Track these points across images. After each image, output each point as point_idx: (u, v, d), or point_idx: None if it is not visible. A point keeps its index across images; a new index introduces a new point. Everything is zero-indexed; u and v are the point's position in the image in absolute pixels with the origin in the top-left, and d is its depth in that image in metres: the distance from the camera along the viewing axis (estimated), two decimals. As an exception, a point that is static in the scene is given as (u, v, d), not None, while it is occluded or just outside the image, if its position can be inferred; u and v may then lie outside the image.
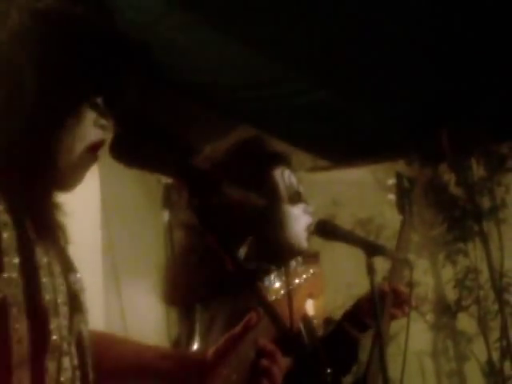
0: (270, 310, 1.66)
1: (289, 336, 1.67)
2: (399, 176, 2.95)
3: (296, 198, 2.59)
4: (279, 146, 5.35)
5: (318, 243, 2.75)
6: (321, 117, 5.06)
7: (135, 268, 4.82)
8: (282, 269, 2.37)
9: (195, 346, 2.22)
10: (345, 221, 5.58)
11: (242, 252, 2.35)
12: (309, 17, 3.95)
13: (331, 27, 4.07)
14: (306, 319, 2.45)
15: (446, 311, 5.66)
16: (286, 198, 2.54)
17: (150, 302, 3.82)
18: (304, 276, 2.20)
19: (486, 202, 5.67)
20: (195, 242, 2.31)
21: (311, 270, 2.29)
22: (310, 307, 2.36)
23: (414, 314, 5.47)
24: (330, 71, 4.51)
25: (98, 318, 4.45)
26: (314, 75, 4.59)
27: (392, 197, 2.95)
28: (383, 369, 2.42)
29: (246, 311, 2.10)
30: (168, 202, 1.92)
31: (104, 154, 1.58)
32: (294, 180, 2.60)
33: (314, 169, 6.14)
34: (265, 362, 1.80)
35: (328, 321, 2.72)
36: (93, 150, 1.56)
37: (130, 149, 1.56)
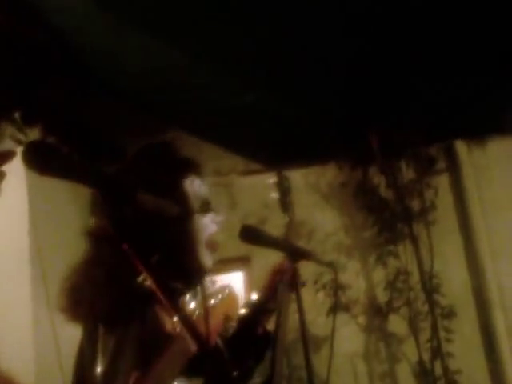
0: (190, 326, 1.62)
1: (207, 353, 1.64)
2: (279, 175, 2.96)
3: (205, 207, 2.51)
4: (209, 149, 5.34)
5: (250, 247, 2.74)
6: (252, 120, 5.05)
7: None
8: (197, 288, 2.30)
9: (99, 369, 2.12)
10: (276, 224, 5.57)
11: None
12: (240, 18, 3.94)
13: (262, 29, 4.06)
14: (224, 331, 2.43)
15: (378, 313, 5.70)
16: (196, 208, 2.46)
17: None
18: (220, 296, 2.18)
19: (415, 204, 5.72)
20: (102, 255, 2.21)
21: (226, 291, 2.27)
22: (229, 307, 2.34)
23: (345, 317, 5.57)
24: (261, 74, 4.50)
25: (26, 329, 4.35)
26: (244, 78, 4.58)
27: (275, 195, 2.96)
28: (308, 367, 2.41)
29: (156, 337, 2.06)
30: (96, 210, 1.88)
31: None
32: (204, 189, 2.52)
33: (245, 172, 6.13)
34: None
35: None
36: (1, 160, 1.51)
37: (42, 157, 1.51)
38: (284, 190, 2.94)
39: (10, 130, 1.51)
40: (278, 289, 2.64)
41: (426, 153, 5.74)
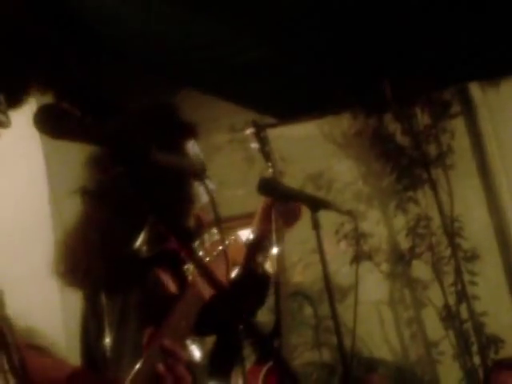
0: (206, 271, 1.62)
1: (223, 296, 1.64)
2: (255, 125, 2.94)
3: (202, 173, 2.48)
4: (222, 105, 5.33)
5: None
6: (263, 74, 5.03)
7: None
8: (204, 236, 2.27)
9: (107, 340, 2.13)
10: (294, 177, 5.57)
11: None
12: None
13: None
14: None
15: (401, 260, 5.71)
16: (194, 173, 2.43)
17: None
18: (226, 242, 2.18)
19: (432, 149, 5.70)
20: (98, 217, 2.17)
21: (232, 237, 2.26)
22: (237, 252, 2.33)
23: (369, 265, 5.58)
24: (271, 27, 4.47)
25: (53, 297, 4.40)
26: (254, 32, 4.55)
27: (255, 145, 2.94)
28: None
29: (159, 300, 2.05)
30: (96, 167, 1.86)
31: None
32: (200, 154, 2.49)
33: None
34: (170, 361, 1.79)
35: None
36: None
37: (54, 120, 1.50)
38: (262, 139, 2.92)
39: None
40: (273, 222, 2.64)
41: (440, 97, 5.70)
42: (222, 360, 2.28)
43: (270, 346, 1.76)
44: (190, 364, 1.99)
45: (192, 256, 1.64)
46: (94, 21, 4.06)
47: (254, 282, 2.67)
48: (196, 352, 2.19)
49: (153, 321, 1.96)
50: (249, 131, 2.93)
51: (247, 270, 2.64)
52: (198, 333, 2.11)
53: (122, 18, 4.15)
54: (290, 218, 2.79)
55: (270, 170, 2.93)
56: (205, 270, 1.61)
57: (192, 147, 2.43)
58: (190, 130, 2.46)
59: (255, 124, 2.92)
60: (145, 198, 1.51)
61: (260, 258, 2.69)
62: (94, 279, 2.14)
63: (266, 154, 2.94)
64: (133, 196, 1.53)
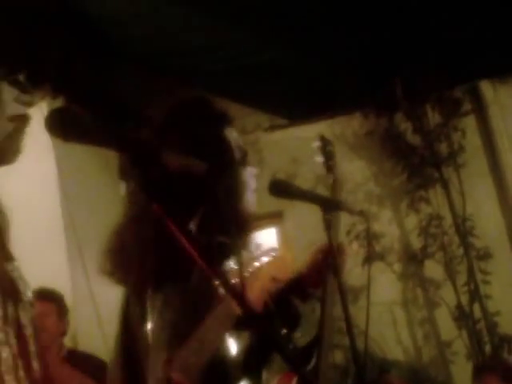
0: (233, 290, 1.61)
1: (252, 316, 1.63)
2: (322, 139, 2.96)
3: (244, 159, 2.52)
4: (232, 107, 5.33)
5: (281, 202, 2.73)
6: (273, 75, 5.02)
7: (98, 242, 4.77)
8: (241, 253, 2.28)
9: (148, 327, 2.14)
10: (305, 178, 5.57)
11: (193, 225, 2.23)
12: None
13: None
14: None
15: (413, 259, 5.70)
16: (239, 160, 2.47)
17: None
18: (265, 259, 2.17)
19: (443, 148, 5.68)
20: (149, 212, 2.19)
21: (272, 253, 2.26)
22: (277, 269, 2.32)
23: (381, 265, 5.57)
24: (281, 27, 4.46)
25: (65, 295, 4.40)
26: (264, 33, 4.54)
27: (319, 159, 2.96)
28: (348, 323, 2.41)
29: (197, 294, 2.05)
30: (125, 174, 1.87)
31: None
32: (241, 141, 2.53)
33: (271, 128, 6.12)
34: None
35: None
36: (18, 122, 1.51)
37: (65, 123, 1.50)
38: (327, 153, 2.94)
39: (13, 92, 1.49)
40: (325, 277, 2.61)
41: (450, 95, 5.68)
42: (254, 358, 2.27)
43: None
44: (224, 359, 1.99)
45: (218, 277, 1.62)
46: (103, 23, 4.05)
47: (288, 310, 2.66)
48: (232, 346, 2.18)
49: (192, 314, 1.97)
50: (315, 145, 2.94)
51: (283, 300, 2.63)
52: (235, 327, 2.10)
53: (131, 19, 4.15)
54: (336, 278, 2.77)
55: (332, 184, 2.94)
56: (232, 291, 1.59)
57: (230, 134, 2.46)
58: (225, 119, 2.49)
59: (322, 138, 2.93)
60: (158, 202, 1.51)
61: (296, 302, 2.67)
62: (146, 272, 2.16)
63: (330, 168, 2.94)
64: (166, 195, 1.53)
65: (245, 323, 1.80)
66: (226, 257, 2.26)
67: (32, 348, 1.49)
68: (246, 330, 2.12)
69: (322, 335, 2.50)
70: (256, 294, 2.09)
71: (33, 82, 1.51)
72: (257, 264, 2.12)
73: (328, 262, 2.58)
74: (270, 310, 2.38)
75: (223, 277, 1.67)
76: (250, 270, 2.13)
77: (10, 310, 1.45)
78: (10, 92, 1.50)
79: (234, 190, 2.39)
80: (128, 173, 1.51)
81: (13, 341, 1.43)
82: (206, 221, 2.22)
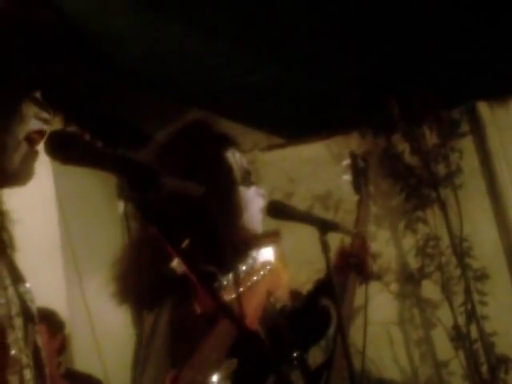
0: (227, 311, 1.61)
1: (249, 335, 1.63)
2: (353, 156, 2.94)
3: (248, 179, 2.53)
4: (230, 126, 5.34)
5: (278, 221, 2.73)
6: (270, 94, 5.04)
7: (96, 262, 4.77)
8: (238, 266, 2.28)
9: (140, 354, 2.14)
10: (303, 197, 5.58)
11: (189, 246, 2.22)
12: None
13: (275, 5, 4.04)
14: (269, 306, 2.42)
15: (410, 279, 5.70)
16: (240, 180, 2.48)
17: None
18: (261, 272, 2.17)
19: (441, 169, 5.69)
20: (146, 236, 2.20)
21: (268, 267, 2.26)
22: (273, 283, 2.33)
23: (378, 285, 5.56)
24: (277, 47, 4.48)
25: (61, 313, 4.39)
26: (260, 52, 4.56)
27: (347, 177, 2.94)
28: (342, 338, 2.39)
29: (188, 315, 2.05)
30: (123, 194, 1.87)
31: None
32: (244, 161, 2.55)
33: (268, 147, 6.13)
34: None
35: (295, 293, 2.69)
36: (33, 140, 1.53)
37: (63, 146, 1.51)
38: (357, 170, 2.92)
39: (33, 109, 1.51)
40: (348, 279, 2.62)
41: (448, 116, 5.70)
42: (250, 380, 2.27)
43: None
44: None
45: (212, 297, 1.62)
46: (101, 42, 4.07)
47: (312, 319, 2.65)
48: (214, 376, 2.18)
49: (181, 338, 1.97)
50: (345, 162, 2.93)
51: (308, 306, 2.63)
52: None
53: (131, 38, 4.17)
54: (363, 276, 2.76)
55: (358, 203, 2.93)
56: (228, 312, 1.59)
57: (231, 155, 2.47)
58: (226, 140, 2.51)
59: (353, 155, 2.92)
60: (156, 226, 1.51)
61: (324, 301, 2.66)
62: (140, 296, 2.17)
63: (358, 185, 2.94)
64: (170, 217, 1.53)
65: (241, 342, 1.80)
66: (223, 274, 2.26)
67: (46, 371, 1.50)
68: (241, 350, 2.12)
69: (333, 357, 2.50)
70: (253, 309, 2.09)
71: (49, 101, 1.53)
72: (253, 278, 2.12)
73: (350, 262, 2.60)
74: (278, 329, 2.37)
75: (218, 299, 1.67)
76: (247, 284, 2.13)
77: (30, 332, 1.46)
78: (30, 109, 1.52)
79: (232, 211, 2.39)
80: (126, 194, 1.52)
81: (32, 363, 1.44)
82: (202, 241, 2.22)
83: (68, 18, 3.44)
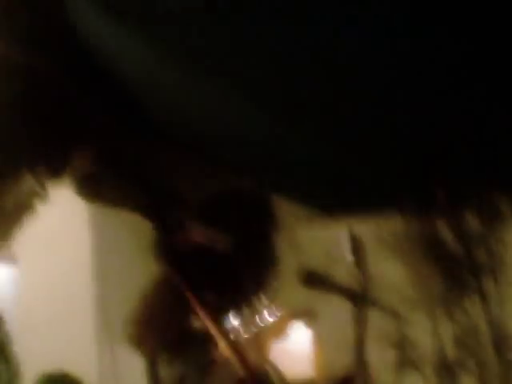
0: (237, 351, 1.60)
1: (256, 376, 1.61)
2: (353, 239, 2.98)
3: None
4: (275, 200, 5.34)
5: (316, 301, 2.67)
6: (315, 172, 5.04)
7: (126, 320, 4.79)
8: (243, 308, 2.28)
9: None
10: (338, 275, 5.50)
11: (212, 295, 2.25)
12: (292, 71, 3.94)
13: (319, 81, 4.05)
14: (273, 366, 2.40)
15: (447, 371, 5.58)
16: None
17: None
18: (270, 319, 2.16)
19: (483, 258, 5.61)
20: (173, 283, 2.21)
21: (277, 313, 2.25)
22: (310, 367, 2.30)
23: (414, 375, 5.42)
24: (323, 125, 4.49)
25: (90, 365, 4.42)
26: (306, 129, 4.56)
27: (349, 257, 2.98)
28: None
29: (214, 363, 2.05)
30: (158, 250, 1.84)
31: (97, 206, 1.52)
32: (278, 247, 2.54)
33: (308, 222, 6.10)
34: None
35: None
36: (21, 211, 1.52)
37: (93, 186, 1.50)
38: (356, 249, 2.97)
39: (29, 182, 1.50)
40: None
41: (492, 203, 5.64)
42: None
43: None
44: None
45: (222, 336, 1.60)
46: (152, 107, 4.11)
47: None
48: None
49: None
50: (346, 244, 2.95)
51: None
52: None
53: (177, 105, 4.19)
54: None
55: (361, 282, 2.94)
56: (236, 351, 1.57)
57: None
58: (273, 224, 2.51)
59: (353, 238, 2.97)
60: (174, 269, 1.48)
61: None
62: (163, 342, 2.20)
63: (359, 267, 2.96)
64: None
65: None
66: (236, 319, 2.25)
67: None
68: None
69: None
70: (259, 354, 2.07)
71: (52, 174, 1.52)
72: (261, 324, 2.10)
73: None
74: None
75: (229, 338, 1.66)
76: (254, 330, 2.11)
77: None
78: (27, 181, 1.51)
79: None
80: (159, 249, 1.50)
81: None
82: (226, 290, 2.24)
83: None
